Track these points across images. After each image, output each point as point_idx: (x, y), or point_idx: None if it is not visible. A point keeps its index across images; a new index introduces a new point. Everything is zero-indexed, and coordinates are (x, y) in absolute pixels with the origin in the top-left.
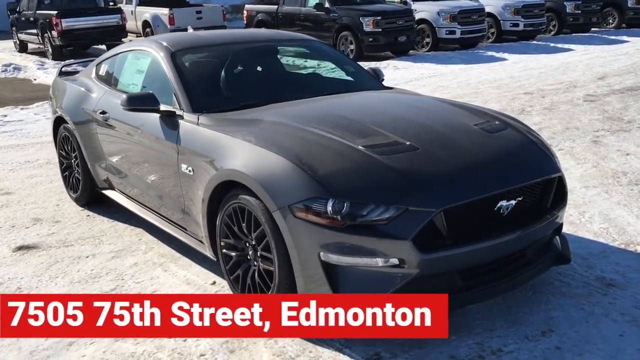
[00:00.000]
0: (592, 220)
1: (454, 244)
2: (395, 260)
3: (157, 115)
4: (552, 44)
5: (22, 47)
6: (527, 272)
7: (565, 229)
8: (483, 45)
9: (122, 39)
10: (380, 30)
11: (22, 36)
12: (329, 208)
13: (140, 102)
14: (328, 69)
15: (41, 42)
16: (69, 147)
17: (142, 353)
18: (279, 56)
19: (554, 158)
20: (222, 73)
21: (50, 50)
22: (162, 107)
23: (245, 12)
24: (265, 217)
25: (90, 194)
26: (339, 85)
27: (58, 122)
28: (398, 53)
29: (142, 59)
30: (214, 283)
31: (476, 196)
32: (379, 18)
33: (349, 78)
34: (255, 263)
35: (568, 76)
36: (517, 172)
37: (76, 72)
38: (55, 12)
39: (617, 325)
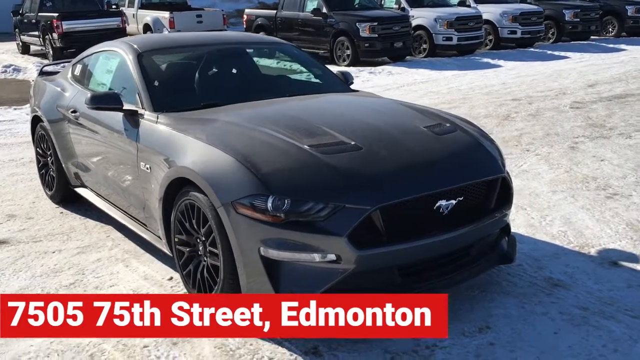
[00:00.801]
0: (552, 223)
1: (391, 242)
2: (332, 256)
3: (121, 114)
4: (549, 52)
5: (25, 49)
6: (469, 270)
7: (524, 231)
8: (480, 52)
9: None
10: (377, 36)
11: (25, 38)
12: (269, 205)
13: (103, 101)
14: (296, 71)
15: (42, 44)
16: (45, 146)
17: (87, 344)
18: (250, 58)
19: (498, 160)
20: (187, 74)
21: (51, 52)
22: (126, 106)
23: (245, 16)
24: (211, 213)
25: (65, 192)
26: (304, 87)
27: (35, 120)
28: (394, 59)
29: (112, 60)
30: (170, 279)
31: (412, 195)
32: (375, 24)
33: (316, 80)
34: (205, 259)
35: (559, 83)
36: (456, 173)
37: (56, 73)
38: (56, 14)
39: (554, 324)
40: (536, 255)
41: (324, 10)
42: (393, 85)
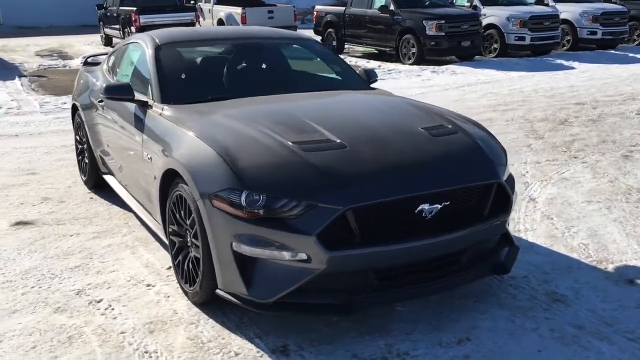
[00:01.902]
0: (576, 235)
1: (365, 244)
2: (303, 255)
3: (134, 105)
4: (631, 54)
5: (107, 41)
6: (457, 278)
7: (542, 242)
8: (556, 53)
9: None
10: (443, 34)
11: (107, 31)
12: (243, 199)
13: (116, 91)
14: (317, 68)
15: (122, 36)
16: (81, 133)
17: (70, 326)
18: (269, 53)
19: (496, 165)
20: (200, 67)
21: None
22: (137, 97)
23: (314, 12)
24: (193, 205)
25: (96, 178)
26: (318, 84)
27: (74, 109)
28: (463, 58)
29: (135, 51)
30: (169, 268)
31: (387, 197)
32: (443, 22)
33: (334, 77)
34: (191, 250)
35: (632, 88)
36: (442, 176)
37: (99, 63)
38: (135, 8)
39: (541, 341)
40: (547, 268)
41: (392, 7)
42: (452, 85)
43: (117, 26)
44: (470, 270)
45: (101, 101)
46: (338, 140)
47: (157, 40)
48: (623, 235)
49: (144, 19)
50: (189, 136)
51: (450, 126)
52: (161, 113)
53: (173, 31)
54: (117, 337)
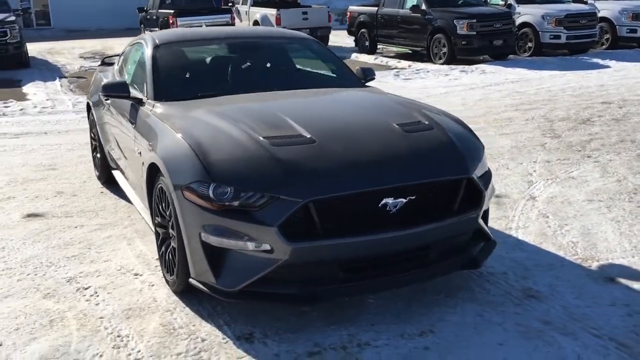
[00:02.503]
0: (568, 233)
1: (327, 236)
2: (267, 246)
3: (130, 102)
4: None
5: None
6: (425, 272)
7: (531, 239)
8: (594, 52)
9: None
10: (475, 33)
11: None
12: (211, 192)
13: (113, 89)
14: (313, 66)
15: None
16: (95, 130)
17: (55, 310)
18: (265, 52)
19: (467, 161)
20: (195, 65)
21: None
22: (132, 94)
23: (348, 13)
24: (170, 198)
25: (108, 173)
26: (310, 81)
27: (88, 107)
28: (496, 57)
29: (138, 51)
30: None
31: (348, 191)
32: (474, 21)
33: (328, 75)
34: (171, 241)
35: None
36: (407, 171)
37: (113, 64)
38: (172, 11)
39: (504, 335)
40: (529, 264)
41: (423, 7)
42: (479, 85)
43: (157, 29)
44: (439, 264)
45: (107, 99)
46: (308, 136)
47: (156, 40)
48: (616, 234)
49: (181, 21)
50: (169, 131)
51: (427, 122)
52: (151, 110)
53: (174, 31)
54: (95, 321)
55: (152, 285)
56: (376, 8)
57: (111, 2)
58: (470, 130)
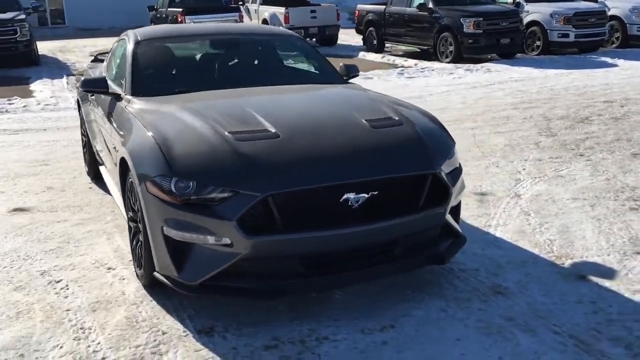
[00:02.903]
0: (546, 231)
1: (286, 230)
2: (227, 240)
3: (109, 97)
4: None
5: None
6: (389, 267)
7: (509, 237)
8: (603, 51)
9: None
10: (481, 31)
11: None
12: (172, 185)
13: (92, 84)
14: (296, 62)
15: None
16: (84, 126)
17: (23, 302)
18: (246, 49)
19: (433, 157)
20: (173, 61)
21: None
22: (111, 90)
23: (356, 12)
24: (136, 191)
25: (96, 169)
26: (287, 78)
27: (78, 104)
28: (504, 56)
29: (122, 47)
30: None
31: (306, 185)
32: (480, 19)
33: (306, 71)
34: (140, 234)
35: None
36: (369, 166)
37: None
38: (180, 9)
39: (464, 330)
40: (502, 262)
41: (430, 5)
42: (483, 83)
43: None
44: (404, 259)
45: (92, 95)
46: (274, 130)
47: (138, 36)
48: (595, 232)
49: (189, 20)
50: (139, 126)
51: (396, 118)
52: (127, 105)
53: (156, 27)
54: (61, 314)
55: (123, 279)
56: (384, 6)
57: (123, 1)
58: (442, 127)
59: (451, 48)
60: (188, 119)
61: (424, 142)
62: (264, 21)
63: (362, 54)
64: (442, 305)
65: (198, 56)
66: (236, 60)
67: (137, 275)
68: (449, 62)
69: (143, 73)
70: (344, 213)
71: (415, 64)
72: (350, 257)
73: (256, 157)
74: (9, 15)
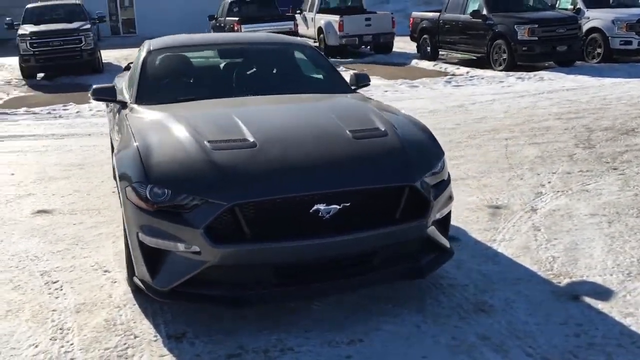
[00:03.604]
0: (551, 248)
1: (254, 240)
2: (196, 248)
3: (118, 105)
4: None
5: None
6: (364, 279)
7: (511, 253)
8: None
9: None
10: (536, 39)
11: None
12: (147, 193)
13: (102, 93)
14: (305, 71)
15: None
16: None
17: (17, 301)
18: (255, 58)
19: (413, 169)
20: (181, 70)
21: None
22: (119, 98)
23: (411, 19)
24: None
25: None
26: (290, 87)
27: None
28: (562, 63)
29: (138, 56)
30: None
31: (274, 195)
32: (536, 26)
33: (313, 80)
34: None
35: None
36: (341, 178)
37: None
38: (237, 18)
39: (433, 348)
40: (496, 278)
41: (484, 11)
42: (532, 92)
43: None
44: (380, 272)
45: (111, 103)
46: (252, 140)
47: (151, 46)
48: (604, 251)
49: (245, 28)
50: (129, 133)
51: (383, 129)
52: (128, 113)
53: (172, 37)
54: (46, 314)
55: (115, 282)
56: (438, 14)
57: (188, 10)
58: (431, 138)
59: (505, 56)
60: (173, 127)
61: (405, 153)
62: (319, 29)
63: (414, 62)
64: (418, 321)
65: (204, 65)
66: (240, 69)
67: (127, 279)
68: (502, 70)
69: (149, 82)
70: (315, 224)
71: (467, 72)
72: (323, 268)
73: (229, 166)
74: (75, 25)
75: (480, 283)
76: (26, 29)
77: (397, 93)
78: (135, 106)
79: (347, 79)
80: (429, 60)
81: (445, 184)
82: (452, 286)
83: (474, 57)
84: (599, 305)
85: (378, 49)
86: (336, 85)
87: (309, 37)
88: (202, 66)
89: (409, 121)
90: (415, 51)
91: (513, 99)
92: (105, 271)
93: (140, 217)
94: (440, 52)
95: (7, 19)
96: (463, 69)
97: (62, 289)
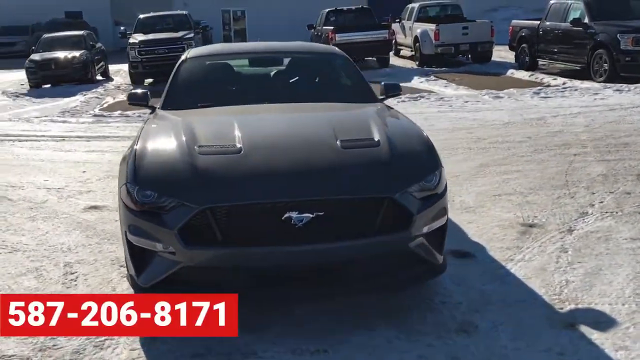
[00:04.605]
0: (571, 271)
1: (225, 244)
2: (172, 248)
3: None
4: None
5: None
6: (337, 290)
7: (524, 274)
8: None
9: (389, 53)
10: None
11: None
12: (135, 193)
13: (136, 98)
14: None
15: None
16: None
17: (33, 288)
18: (286, 66)
19: (396, 181)
20: (207, 78)
21: None
22: (150, 103)
23: (510, 27)
24: None
25: None
26: (310, 95)
27: None
28: None
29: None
30: None
31: (244, 201)
32: None
33: (336, 89)
34: None
35: None
36: (315, 187)
37: None
38: (332, 27)
39: None
40: (495, 298)
41: (585, 20)
42: (625, 105)
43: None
44: (355, 283)
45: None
46: (239, 146)
47: (188, 54)
48: (629, 278)
49: (339, 37)
50: (137, 136)
51: (377, 139)
52: (150, 118)
53: (210, 46)
54: None
55: (123, 278)
56: (538, 22)
57: (293, 20)
58: (429, 152)
59: (606, 66)
60: (175, 132)
61: (390, 165)
62: (415, 38)
63: (510, 72)
64: (392, 336)
65: (232, 73)
66: (264, 77)
67: None
68: (602, 82)
69: (178, 88)
70: (288, 231)
71: (563, 83)
72: (297, 276)
73: (208, 171)
74: (180, 34)
75: (476, 303)
76: (136, 37)
77: (477, 104)
78: (159, 111)
79: (433, 86)
80: (527, 70)
81: (436, 197)
82: (444, 303)
83: (577, 68)
84: (594, 335)
85: (476, 58)
86: (361, 95)
87: (406, 46)
88: (229, 74)
89: (411, 133)
90: (513, 61)
91: (600, 113)
92: (121, 266)
93: (128, 217)
94: (540, 63)
95: (121, 28)
96: (560, 80)
97: (75, 280)
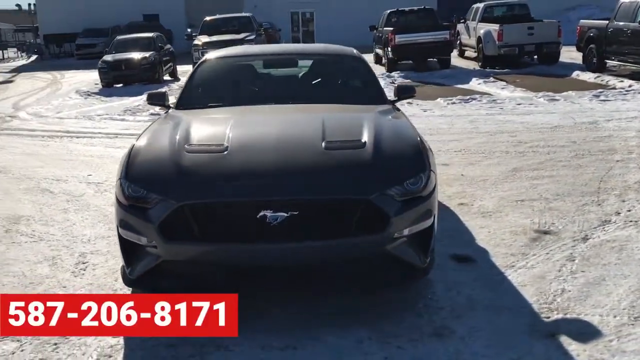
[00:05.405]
0: (570, 280)
1: (201, 239)
2: (154, 242)
3: None
4: None
5: (377, 59)
6: (313, 288)
7: (521, 281)
8: None
9: (450, 54)
10: None
11: (376, 50)
12: (125, 189)
13: (154, 98)
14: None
15: (384, 55)
16: None
17: (44, 276)
18: (300, 67)
19: (374, 183)
20: (222, 79)
21: (386, 62)
22: (167, 103)
23: (578, 27)
24: None
25: None
26: (319, 97)
27: None
28: None
29: None
30: None
31: (219, 199)
32: None
33: (348, 91)
34: None
35: None
36: (290, 187)
37: None
38: (392, 28)
39: None
40: (480, 305)
41: None
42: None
43: (381, 45)
44: (330, 283)
45: None
46: (225, 145)
47: (207, 56)
48: (630, 290)
49: (399, 38)
50: (140, 134)
51: (363, 141)
52: (161, 117)
53: (230, 48)
54: (56, 289)
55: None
56: (607, 22)
57: (358, 21)
58: (416, 154)
59: None
60: (170, 130)
61: (372, 166)
62: (479, 39)
63: (575, 74)
64: (363, 336)
65: (245, 74)
66: (274, 79)
67: None
68: None
69: (193, 88)
70: (264, 230)
71: (629, 86)
72: (272, 274)
73: (190, 169)
74: (241, 35)
75: (459, 308)
76: (200, 39)
77: (530, 107)
78: (171, 111)
79: (490, 88)
80: (594, 72)
81: (420, 200)
82: (427, 307)
83: None
84: (572, 346)
85: (542, 59)
86: (371, 97)
87: (470, 47)
88: (242, 75)
89: (402, 136)
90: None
91: (635, 120)
92: None
93: (119, 211)
94: (610, 64)
95: (188, 30)
96: (626, 82)
97: (84, 270)
